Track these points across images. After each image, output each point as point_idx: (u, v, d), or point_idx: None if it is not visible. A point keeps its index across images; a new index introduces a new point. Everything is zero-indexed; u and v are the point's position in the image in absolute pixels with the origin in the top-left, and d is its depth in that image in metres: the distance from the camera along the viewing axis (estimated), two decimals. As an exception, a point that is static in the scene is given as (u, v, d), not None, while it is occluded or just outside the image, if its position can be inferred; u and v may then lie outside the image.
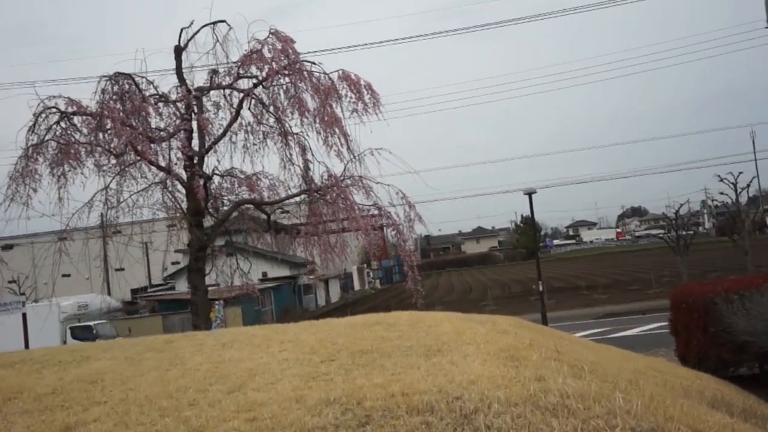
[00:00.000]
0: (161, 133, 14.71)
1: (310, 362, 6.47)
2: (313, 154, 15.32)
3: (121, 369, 7.15)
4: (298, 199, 16.07)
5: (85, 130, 14.01)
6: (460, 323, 7.87)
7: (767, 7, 32.09)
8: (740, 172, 29.48)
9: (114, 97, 14.15)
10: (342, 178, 14.94)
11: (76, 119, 13.95)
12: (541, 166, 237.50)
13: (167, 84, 15.26)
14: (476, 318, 8.45)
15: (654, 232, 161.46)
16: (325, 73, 14.62)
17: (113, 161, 14.15)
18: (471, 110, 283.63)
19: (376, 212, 15.38)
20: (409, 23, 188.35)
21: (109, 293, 50.29)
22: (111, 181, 14.40)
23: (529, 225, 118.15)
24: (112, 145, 13.84)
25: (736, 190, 27.00)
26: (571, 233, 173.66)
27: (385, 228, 16.34)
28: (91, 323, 32.64)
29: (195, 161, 14.57)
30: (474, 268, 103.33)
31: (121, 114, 13.64)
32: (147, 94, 14.64)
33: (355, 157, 14.72)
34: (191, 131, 14.64)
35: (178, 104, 14.66)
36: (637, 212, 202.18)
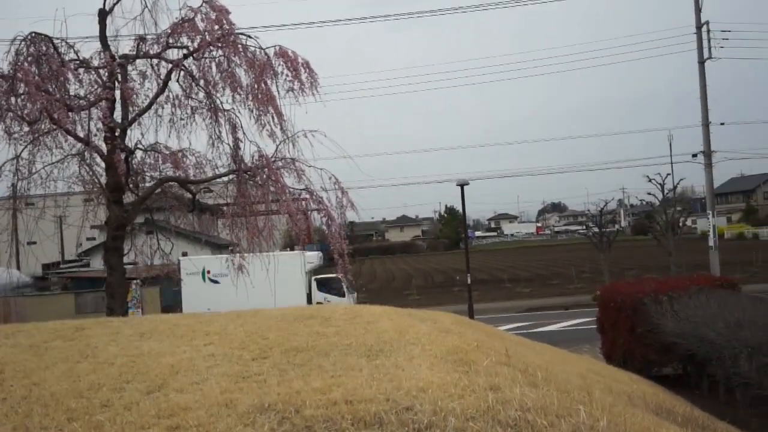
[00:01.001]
0: (81, 101, 13.55)
1: (239, 359, 5.89)
2: (244, 133, 14.49)
3: (24, 359, 6.40)
4: (225, 179, 15.23)
5: (-5, 93, 12.90)
6: (401, 319, 7.40)
7: (696, 12, 32.80)
8: (668, 174, 30.07)
9: (29, 59, 13.01)
10: (274, 159, 14.19)
11: (-15, 81, 12.83)
12: (465, 158, 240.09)
13: (90, 51, 14.11)
14: (416, 314, 8.00)
15: (572, 227, 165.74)
16: (261, 47, 13.81)
17: (26, 129, 13.05)
18: (400, 99, 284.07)
19: (307, 196, 14.73)
20: (345, 7, 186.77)
21: (18, 268, 48.03)
22: (22, 150, 13.28)
23: (452, 215, 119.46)
24: (25, 111, 12.74)
25: (663, 191, 27.57)
26: (492, 225, 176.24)
27: (310, 212, 15.68)
28: None
29: (117, 133, 13.56)
30: (397, 256, 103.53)
31: (37, 78, 12.54)
32: (67, 58, 13.53)
33: (288, 138, 13.99)
34: (114, 101, 13.60)
35: (101, 71, 13.59)
36: (557, 208, 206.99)
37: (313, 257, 32.94)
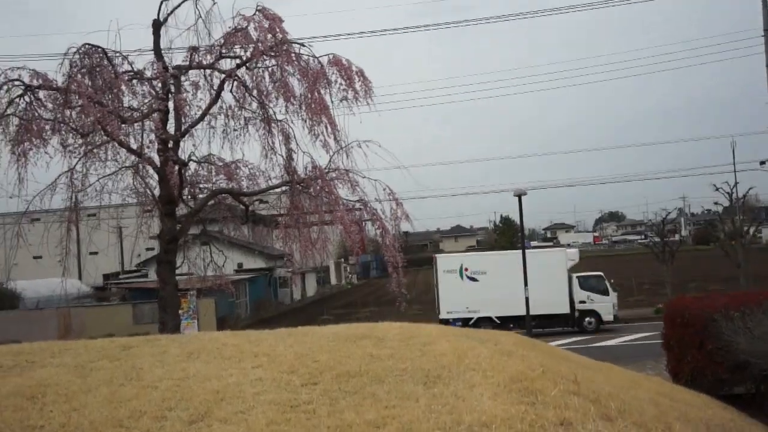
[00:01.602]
0: (134, 113, 13.53)
1: (288, 385, 5.54)
2: (297, 144, 14.27)
3: (68, 381, 6.16)
4: (279, 190, 15.01)
5: (50, 106, 12.88)
6: (459, 342, 6.96)
7: (765, 13, 31.60)
8: (737, 182, 28.93)
9: (83, 71, 13.01)
10: (327, 170, 13.93)
11: (42, 94, 12.83)
12: (521, 167, 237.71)
13: (144, 62, 14.05)
14: (474, 335, 7.56)
15: (631, 237, 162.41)
16: (314, 56, 13.58)
17: (80, 141, 13.03)
18: (448, 108, 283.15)
19: (361, 208, 14.42)
20: (399, 17, 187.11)
21: (80, 278, 48.91)
22: (77, 163, 13.26)
23: (507, 225, 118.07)
24: (79, 124, 12.72)
25: (731, 199, 26.44)
26: (548, 235, 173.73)
27: (364, 222, 15.35)
28: None
29: (170, 145, 13.45)
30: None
31: (90, 90, 12.50)
32: (121, 70, 13.49)
33: (342, 148, 13.71)
34: (167, 112, 13.51)
35: (154, 82, 13.53)
36: (614, 217, 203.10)
37: (574, 254, 32.48)
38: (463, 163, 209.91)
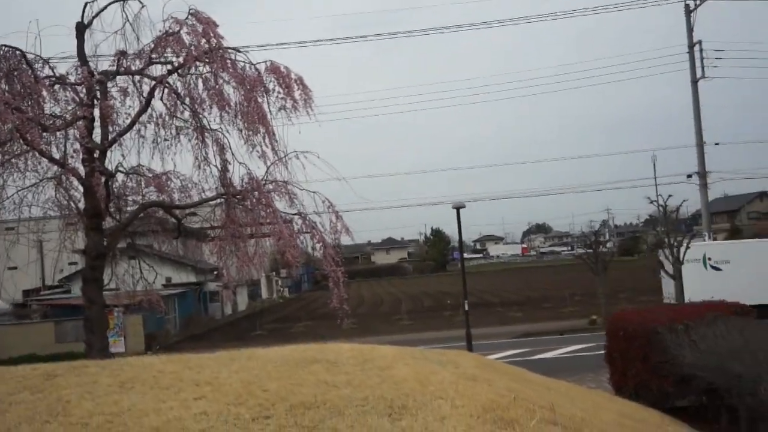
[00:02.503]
0: (56, 120, 12.59)
1: (237, 419, 4.95)
2: (233, 154, 13.56)
3: (-18, 419, 5.43)
4: (213, 203, 14.27)
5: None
6: (419, 365, 6.47)
7: (688, 31, 32.42)
8: (669, 195, 29.32)
9: (-1, 75, 12.08)
10: (264, 181, 13.28)
11: (-48, 99, 11.82)
12: (449, 180, 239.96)
13: (66, 68, 13.11)
14: (432, 356, 7.09)
15: (558, 248, 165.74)
16: (251, 63, 12.90)
17: (-5, 150, 12.05)
18: (382, 120, 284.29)
19: (300, 222, 13.82)
20: (327, 30, 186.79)
21: (-4, 295, 46.64)
22: (-7, 175, 12.27)
23: (438, 237, 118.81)
24: (-5, 132, 11.76)
25: (665, 213, 26.81)
26: (478, 247, 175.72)
27: (300, 235, 14.76)
28: None
29: (95, 155, 12.60)
30: (383, 279, 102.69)
31: (8, 95, 11.56)
32: (41, 75, 12.56)
33: (280, 159, 13.09)
34: (92, 120, 12.62)
35: (78, 88, 12.65)
36: (541, 229, 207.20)
37: None
38: (392, 176, 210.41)
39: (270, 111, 13.04)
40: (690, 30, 32.02)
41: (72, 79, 12.56)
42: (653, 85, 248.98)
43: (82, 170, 12.69)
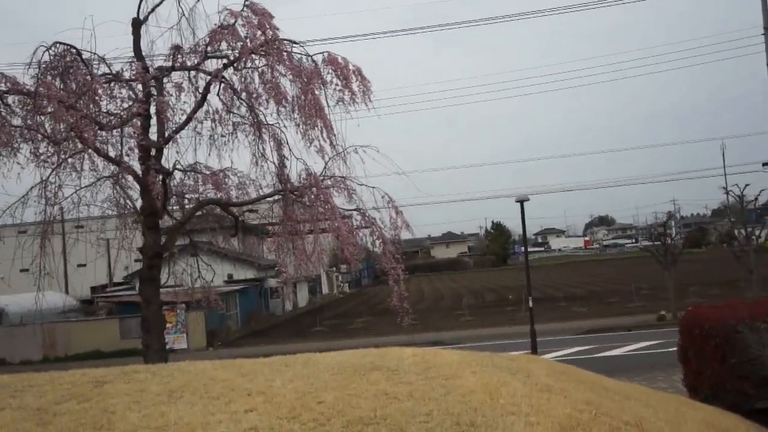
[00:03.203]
0: (112, 118, 12.45)
1: (289, 436, 4.55)
2: (290, 150, 13.28)
3: (25, 431, 5.16)
4: (271, 199, 14.02)
5: (20, 112, 11.80)
6: (487, 374, 5.98)
7: (764, 12, 30.93)
8: (746, 185, 28.05)
9: (54, 73, 11.94)
10: (322, 177, 12.94)
11: (10, 99, 11.76)
12: (510, 173, 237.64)
13: (121, 65, 12.96)
14: (501, 363, 6.59)
15: (621, 241, 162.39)
16: (307, 54, 12.57)
17: (53, 149, 11.94)
18: (443, 112, 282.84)
19: (359, 218, 13.44)
20: (389, 22, 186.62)
21: (66, 291, 47.68)
22: (50, 174, 12.17)
23: (499, 231, 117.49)
24: (51, 131, 11.65)
25: (742, 203, 25.60)
26: (539, 240, 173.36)
27: (358, 231, 14.38)
28: None
29: (152, 153, 12.44)
30: (444, 274, 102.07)
31: (62, 93, 11.42)
32: (99, 72, 12.43)
33: (338, 153, 12.73)
34: (148, 117, 12.48)
35: (133, 85, 12.49)
36: (604, 221, 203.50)
37: None
38: (451, 170, 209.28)
39: (327, 104, 12.71)
40: (766, 10, 30.53)
41: (127, 75, 12.40)
42: (718, 72, 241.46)
43: (138, 168, 12.54)
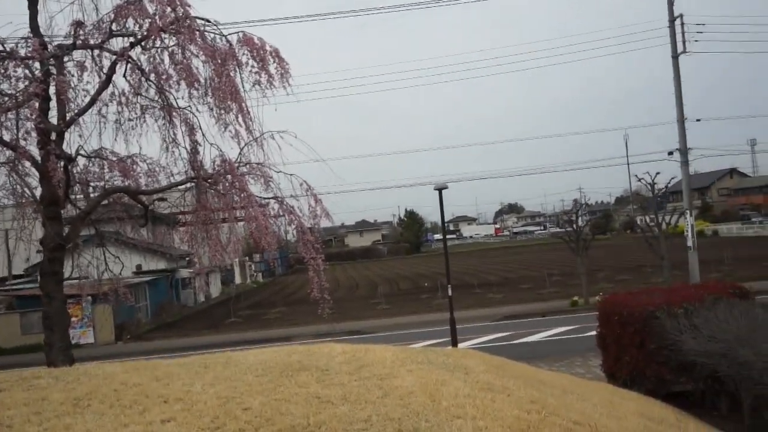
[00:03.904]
0: (6, 99, 11.41)
1: (214, 452, 4.05)
2: (203, 135, 12.52)
3: None
4: (182, 187, 13.26)
5: None
6: (423, 372, 5.60)
7: (669, 5, 31.75)
8: (657, 173, 28.81)
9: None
10: (238, 164, 12.28)
11: None
12: (423, 161, 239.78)
13: (17, 41, 11.87)
14: (436, 359, 6.22)
15: (530, 228, 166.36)
16: (221, 34, 11.82)
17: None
18: (353, 100, 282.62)
19: (276, 207, 12.87)
20: (302, 7, 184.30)
21: (-41, 284, 44.97)
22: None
23: (412, 219, 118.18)
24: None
25: (653, 191, 26.26)
26: (451, 228, 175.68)
27: (275, 219, 13.82)
28: None
29: (52, 137, 11.50)
30: (358, 262, 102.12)
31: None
32: (-11, 50, 11.36)
33: (255, 139, 12.08)
34: (48, 99, 11.53)
35: (30, 63, 11.49)
36: (514, 209, 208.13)
37: None
38: (365, 158, 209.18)
39: (243, 87, 12.01)
40: (671, 3, 31.38)
41: (23, 53, 11.38)
42: (625, 62, 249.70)
43: (37, 154, 11.59)
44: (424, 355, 6.37)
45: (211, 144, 12.55)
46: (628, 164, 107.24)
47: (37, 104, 11.16)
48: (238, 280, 68.75)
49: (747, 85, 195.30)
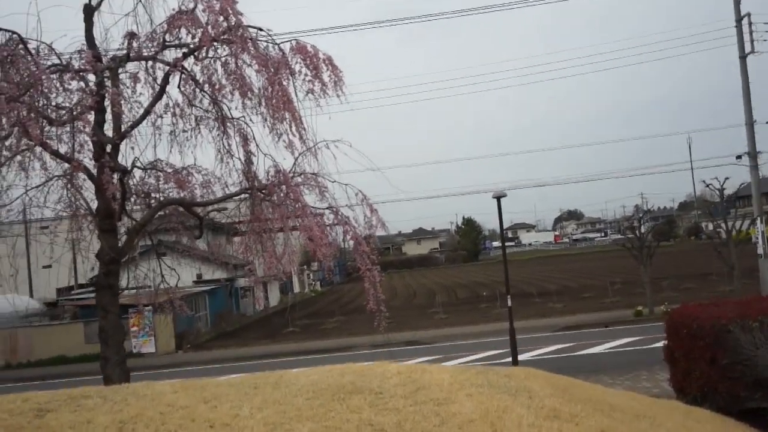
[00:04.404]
0: (62, 112, 11.43)
1: (258, 488, 3.76)
2: (257, 145, 12.36)
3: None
4: (237, 198, 13.13)
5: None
6: (484, 397, 5.24)
7: (735, 4, 30.65)
8: (726, 178, 27.86)
9: (-5, 62, 10.90)
10: (292, 174, 12.08)
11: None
12: (480, 168, 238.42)
13: (72, 55, 11.88)
14: (497, 382, 5.85)
15: (591, 235, 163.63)
16: (274, 42, 11.64)
17: (-3, 147, 10.90)
18: (409, 108, 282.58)
19: (331, 217, 12.63)
20: (354, 18, 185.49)
21: (30, 294, 46.15)
22: (-6, 174, 11.11)
23: (470, 226, 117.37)
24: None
25: (722, 196, 25.28)
26: (510, 235, 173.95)
27: (330, 228, 13.58)
28: None
29: (107, 150, 11.48)
30: (415, 270, 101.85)
31: (4, 84, 10.41)
32: (46, 63, 11.39)
33: (309, 149, 11.87)
34: (103, 112, 11.53)
35: (85, 76, 11.49)
36: (573, 215, 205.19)
37: None
38: (423, 165, 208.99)
39: (296, 95, 11.79)
40: (737, 2, 30.33)
41: (77, 65, 11.38)
42: (690, 65, 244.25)
43: (92, 167, 11.57)
44: (484, 376, 5.99)
45: (265, 154, 12.39)
46: (692, 168, 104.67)
47: (91, 117, 11.16)
48: (296, 288, 69.13)
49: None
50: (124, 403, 5.83)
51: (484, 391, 5.45)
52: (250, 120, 12.36)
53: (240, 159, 12.65)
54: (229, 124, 12.51)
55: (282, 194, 12.20)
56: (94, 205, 12.27)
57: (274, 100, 11.48)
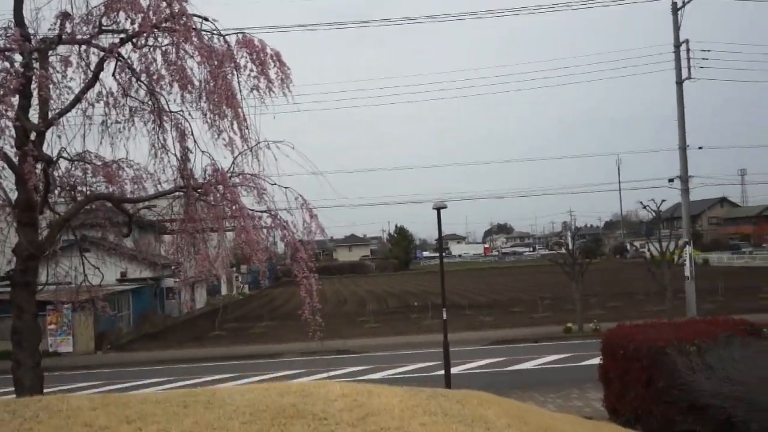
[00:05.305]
0: (-18, 94, 10.51)
1: None
2: (195, 141, 11.64)
3: None
4: (171, 196, 12.40)
5: None
6: (437, 426, 4.81)
7: (675, 30, 31.25)
8: (663, 200, 28.35)
9: None
10: (230, 174, 11.46)
11: None
12: (412, 178, 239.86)
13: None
14: (450, 409, 5.40)
15: (519, 249, 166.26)
16: (220, 34, 11.01)
17: None
18: (346, 113, 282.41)
19: (269, 221, 12.03)
20: (300, 18, 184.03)
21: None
22: None
23: (402, 235, 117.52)
24: None
25: (659, 218, 25.71)
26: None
27: (268, 234, 12.97)
28: None
29: (31, 137, 10.64)
30: (346, 277, 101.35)
31: None
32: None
33: (249, 148, 11.26)
34: (29, 96, 10.68)
35: (11, 56, 10.61)
36: (503, 229, 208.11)
37: None
38: (356, 172, 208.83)
39: (240, 92, 11.17)
40: (677, 28, 30.94)
41: (1, 43, 10.50)
42: (625, 87, 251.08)
43: (14, 155, 10.70)
44: (435, 402, 5.56)
45: (203, 152, 11.70)
46: (620, 189, 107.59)
47: (15, 100, 10.31)
48: (224, 291, 67.76)
49: (741, 114, 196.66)
50: (34, 421, 5.18)
51: (438, 420, 5.02)
52: (189, 115, 11.65)
53: (176, 155, 11.93)
54: (166, 117, 11.79)
55: (218, 194, 11.55)
56: (14, 195, 11.39)
57: (216, 95, 10.83)
